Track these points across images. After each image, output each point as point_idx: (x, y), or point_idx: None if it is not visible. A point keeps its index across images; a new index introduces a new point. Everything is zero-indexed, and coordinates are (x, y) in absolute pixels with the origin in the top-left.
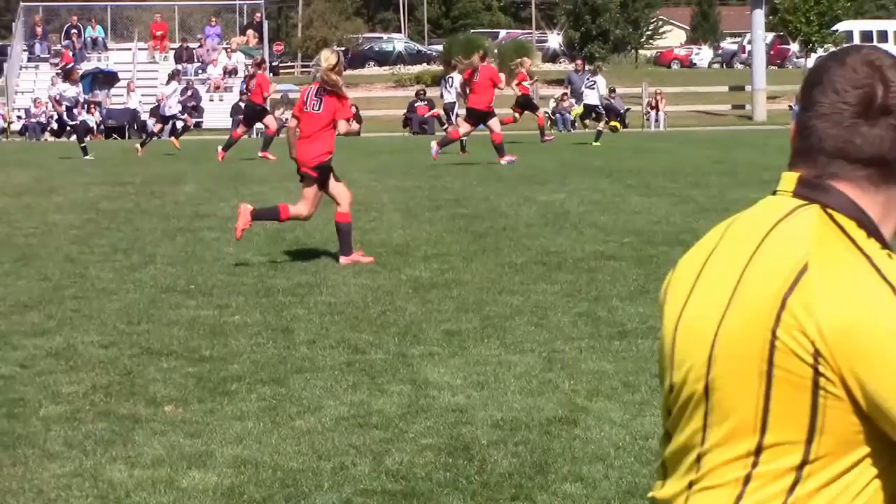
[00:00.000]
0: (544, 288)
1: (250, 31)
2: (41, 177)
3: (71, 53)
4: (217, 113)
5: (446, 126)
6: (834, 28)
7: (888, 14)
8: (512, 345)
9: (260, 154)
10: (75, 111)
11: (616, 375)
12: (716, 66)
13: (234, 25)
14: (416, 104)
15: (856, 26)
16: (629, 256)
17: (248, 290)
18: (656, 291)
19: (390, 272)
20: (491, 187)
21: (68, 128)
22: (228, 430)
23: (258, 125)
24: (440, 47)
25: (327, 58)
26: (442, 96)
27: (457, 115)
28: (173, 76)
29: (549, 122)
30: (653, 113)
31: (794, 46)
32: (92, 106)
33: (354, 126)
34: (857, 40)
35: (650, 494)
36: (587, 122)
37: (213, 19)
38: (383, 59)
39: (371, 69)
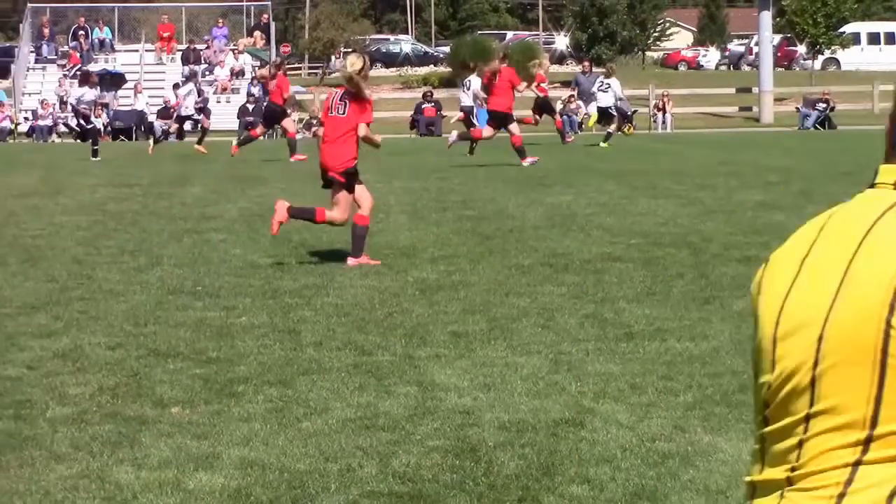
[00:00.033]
0: (551, 290)
1: (257, 33)
2: (48, 178)
3: (78, 55)
4: (224, 114)
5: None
6: (841, 30)
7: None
8: (519, 346)
9: (291, 160)
10: (92, 115)
11: (623, 377)
12: (723, 67)
13: (241, 27)
14: (423, 106)
15: (863, 28)
16: (636, 258)
17: (255, 291)
18: (663, 293)
19: (397, 274)
20: (498, 189)
21: (87, 129)
22: (235, 432)
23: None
24: (447, 49)
25: (353, 62)
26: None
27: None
28: (190, 77)
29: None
30: (660, 115)
31: (802, 48)
32: (99, 107)
33: (378, 138)
34: (864, 42)
35: (748, 479)
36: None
37: (221, 21)
38: (390, 60)
39: (378, 71)
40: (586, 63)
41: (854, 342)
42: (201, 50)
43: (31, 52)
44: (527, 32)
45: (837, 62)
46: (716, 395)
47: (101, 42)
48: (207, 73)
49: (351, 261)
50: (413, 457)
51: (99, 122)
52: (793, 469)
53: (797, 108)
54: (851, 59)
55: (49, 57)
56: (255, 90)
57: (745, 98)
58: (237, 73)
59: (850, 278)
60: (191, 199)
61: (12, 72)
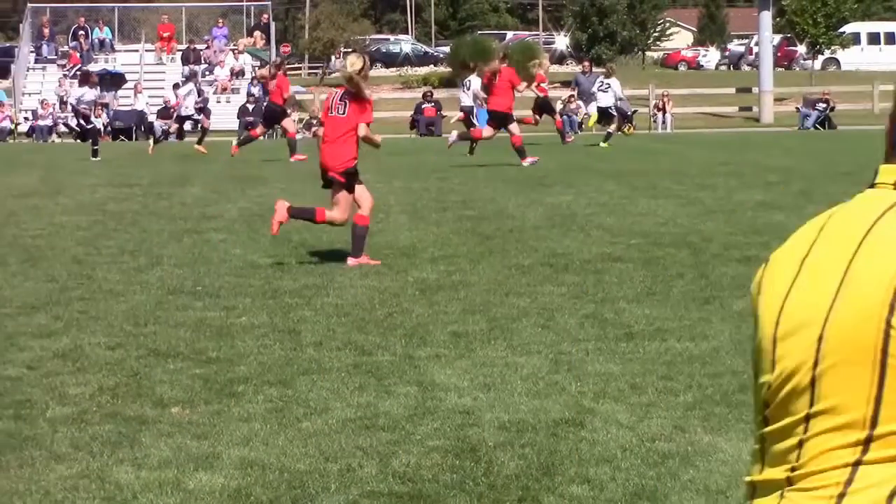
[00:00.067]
0: (551, 290)
1: (257, 33)
2: (48, 178)
3: (78, 55)
4: (224, 114)
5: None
6: (841, 30)
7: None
8: (519, 346)
9: (291, 160)
10: (92, 115)
11: (623, 377)
12: (723, 67)
13: (241, 27)
14: (423, 106)
15: (863, 28)
16: (636, 258)
17: (255, 291)
18: (663, 293)
19: (397, 274)
20: (498, 189)
21: (87, 129)
22: (235, 432)
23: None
24: (447, 49)
25: (353, 62)
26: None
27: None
28: (190, 77)
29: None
30: (660, 115)
31: (802, 48)
32: (99, 108)
33: (378, 138)
34: (864, 42)
35: (748, 479)
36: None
37: (221, 21)
38: (390, 60)
39: (378, 71)
40: (586, 63)
41: (854, 342)
42: (201, 50)
43: (31, 52)
44: (527, 32)
45: (837, 62)
46: (716, 395)
47: (101, 42)
48: (207, 73)
49: (351, 261)
50: (413, 457)
51: (99, 122)
52: (793, 469)
53: (797, 108)
54: (851, 59)
55: (49, 57)
56: (255, 90)
57: (745, 98)
58: (237, 73)
59: (850, 278)
60: (191, 199)
61: (12, 72)
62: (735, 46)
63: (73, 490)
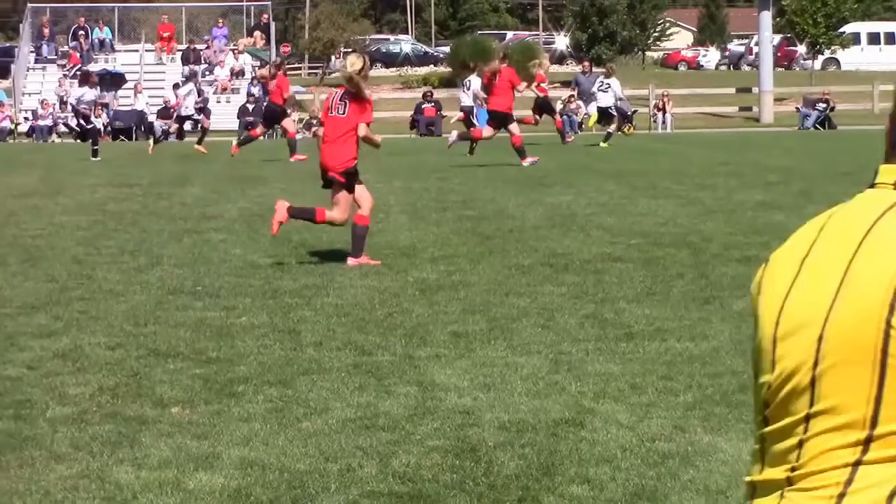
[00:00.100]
0: (551, 290)
1: (257, 33)
2: (48, 178)
3: (78, 55)
4: (224, 114)
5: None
6: (841, 30)
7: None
8: (519, 346)
9: (291, 160)
10: (92, 115)
11: (623, 377)
12: (723, 67)
13: (241, 27)
14: (423, 106)
15: (863, 28)
16: (636, 258)
17: (255, 291)
18: (663, 293)
19: (397, 274)
20: (498, 189)
21: (87, 129)
22: (235, 432)
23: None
24: (447, 49)
25: (353, 62)
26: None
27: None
28: (190, 77)
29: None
30: (660, 115)
31: (802, 48)
32: (99, 108)
33: (378, 138)
34: (864, 42)
35: (748, 479)
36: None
37: (221, 21)
38: (390, 60)
39: (378, 71)
40: (586, 63)
41: (854, 342)
42: (201, 50)
43: (31, 52)
44: (527, 32)
45: (837, 62)
46: (716, 395)
47: (101, 42)
48: (207, 73)
49: (351, 261)
50: (413, 457)
51: (99, 122)
52: (793, 469)
53: (797, 108)
54: (851, 59)
55: (49, 57)
56: (255, 90)
57: (745, 98)
58: (237, 73)
59: (850, 278)
60: (191, 199)
61: (12, 72)
62: (735, 46)
63: (73, 490)
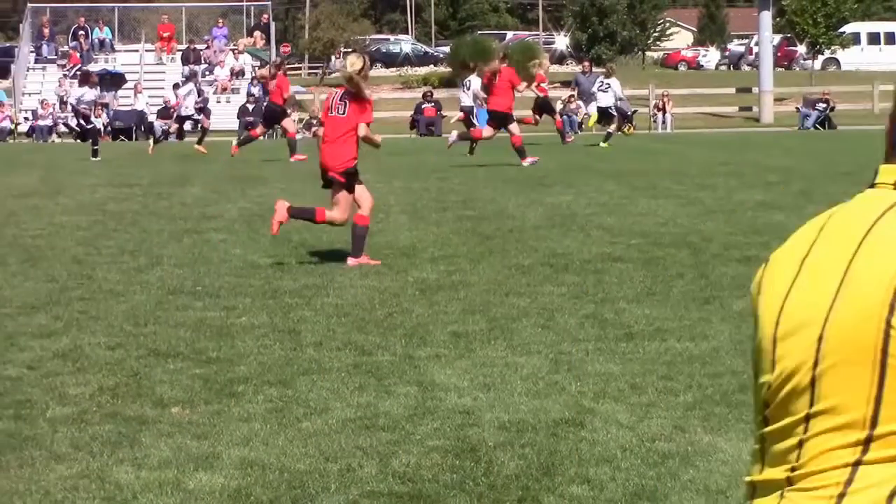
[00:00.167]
0: (551, 290)
1: (257, 33)
2: (48, 178)
3: (78, 55)
4: (224, 114)
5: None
6: (841, 30)
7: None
8: (519, 346)
9: (291, 160)
10: (92, 115)
11: (623, 377)
12: (723, 67)
13: (241, 27)
14: (423, 106)
15: (863, 28)
16: (636, 258)
17: (255, 291)
18: (663, 293)
19: (397, 274)
20: (498, 189)
21: (87, 129)
22: (235, 432)
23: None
24: (447, 49)
25: (353, 62)
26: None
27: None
28: (190, 77)
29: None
30: (660, 115)
31: (802, 48)
32: (99, 108)
33: (378, 138)
34: (864, 42)
35: (748, 479)
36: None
37: (221, 21)
38: (390, 60)
39: (378, 71)
40: (586, 63)
41: (854, 342)
42: (201, 50)
43: (31, 52)
44: (527, 32)
45: (837, 62)
46: (716, 395)
47: (101, 42)
48: (207, 73)
49: (351, 261)
50: (413, 457)
51: (99, 122)
52: (793, 469)
53: (797, 108)
54: (851, 59)
55: (49, 57)
56: (255, 90)
57: (745, 98)
58: (237, 73)
59: (850, 278)
60: (191, 199)
61: (12, 72)
62: (735, 46)
63: (73, 490)
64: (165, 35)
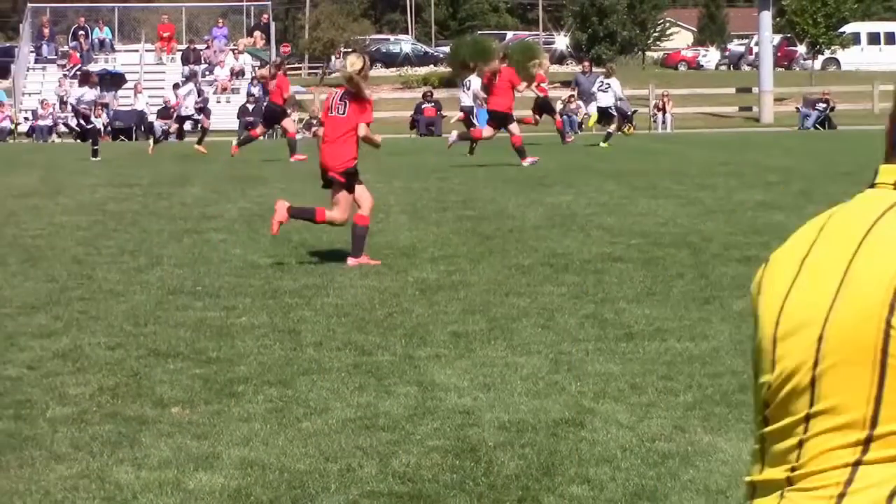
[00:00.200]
0: (551, 290)
1: (257, 33)
2: (48, 178)
3: (78, 55)
4: (224, 114)
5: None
6: (841, 30)
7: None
8: (519, 346)
9: (291, 160)
10: (92, 115)
11: (623, 377)
12: (723, 67)
13: (241, 27)
14: (423, 106)
15: (863, 28)
16: (636, 258)
17: (255, 291)
18: (663, 293)
19: (397, 274)
20: (498, 189)
21: (87, 129)
22: (235, 432)
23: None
24: (447, 49)
25: (353, 62)
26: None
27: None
28: (190, 77)
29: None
30: (660, 115)
31: (802, 48)
32: (99, 108)
33: (378, 138)
34: (864, 42)
35: (748, 479)
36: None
37: (221, 21)
38: (390, 60)
39: (378, 71)
40: (586, 63)
41: (854, 342)
42: (201, 50)
43: (31, 52)
44: (527, 32)
45: (837, 62)
46: (716, 395)
47: (101, 42)
48: (207, 73)
49: (351, 261)
50: (413, 457)
51: (99, 122)
52: (793, 469)
53: (797, 108)
54: (851, 59)
55: (49, 57)
56: (255, 90)
57: (745, 98)
58: (237, 74)
59: (850, 278)
60: (191, 199)
61: (12, 72)
62: (735, 46)
63: (73, 490)
64: (165, 35)
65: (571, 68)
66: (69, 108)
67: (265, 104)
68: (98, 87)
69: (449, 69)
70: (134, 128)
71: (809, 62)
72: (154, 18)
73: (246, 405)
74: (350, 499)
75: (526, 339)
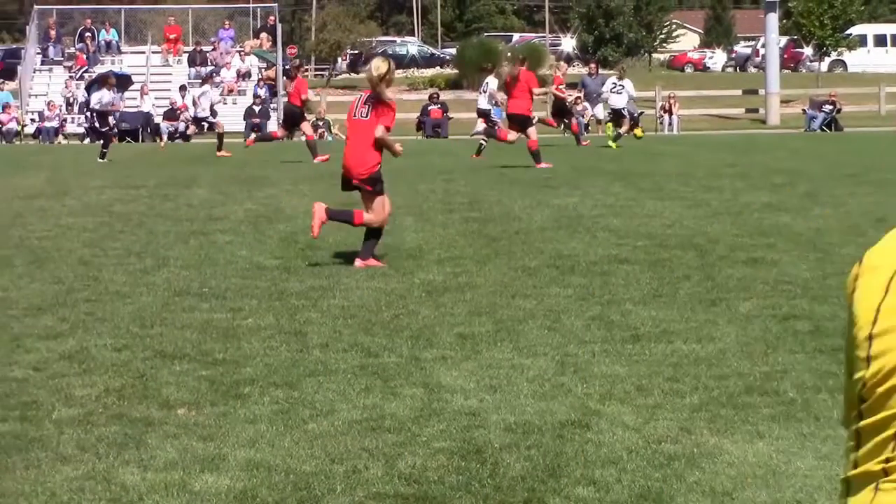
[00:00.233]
0: (557, 291)
1: (264, 35)
2: (54, 180)
3: (85, 57)
4: (230, 116)
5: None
6: (848, 31)
7: None
8: (525, 348)
9: (315, 161)
10: (111, 118)
11: (629, 379)
12: (729, 69)
13: (247, 28)
14: (429, 107)
15: (870, 30)
16: (642, 260)
17: (262, 293)
18: (669, 295)
19: (403, 276)
20: (504, 191)
21: (102, 132)
22: (241, 434)
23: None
24: (454, 51)
25: (378, 66)
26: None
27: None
28: (206, 79)
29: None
30: (666, 116)
31: (808, 50)
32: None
33: (398, 146)
34: (870, 44)
35: (842, 476)
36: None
37: (227, 22)
38: (397, 62)
39: None
40: (592, 65)
41: None
42: (208, 52)
43: (38, 53)
44: (533, 34)
45: (844, 64)
46: (722, 396)
47: (108, 44)
48: (214, 74)
49: (358, 262)
50: (419, 458)
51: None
52: (887, 461)
53: (803, 110)
54: (858, 60)
55: (55, 59)
56: (262, 92)
57: (751, 100)
58: (243, 75)
59: None
60: (197, 200)
61: (19, 73)
62: (741, 48)
63: (78, 491)
64: (172, 37)
65: (578, 70)
66: (86, 110)
67: (284, 105)
68: (115, 89)
69: (455, 71)
70: (140, 129)
71: (816, 64)
72: (160, 20)
73: (252, 407)
74: (356, 500)
75: (532, 340)
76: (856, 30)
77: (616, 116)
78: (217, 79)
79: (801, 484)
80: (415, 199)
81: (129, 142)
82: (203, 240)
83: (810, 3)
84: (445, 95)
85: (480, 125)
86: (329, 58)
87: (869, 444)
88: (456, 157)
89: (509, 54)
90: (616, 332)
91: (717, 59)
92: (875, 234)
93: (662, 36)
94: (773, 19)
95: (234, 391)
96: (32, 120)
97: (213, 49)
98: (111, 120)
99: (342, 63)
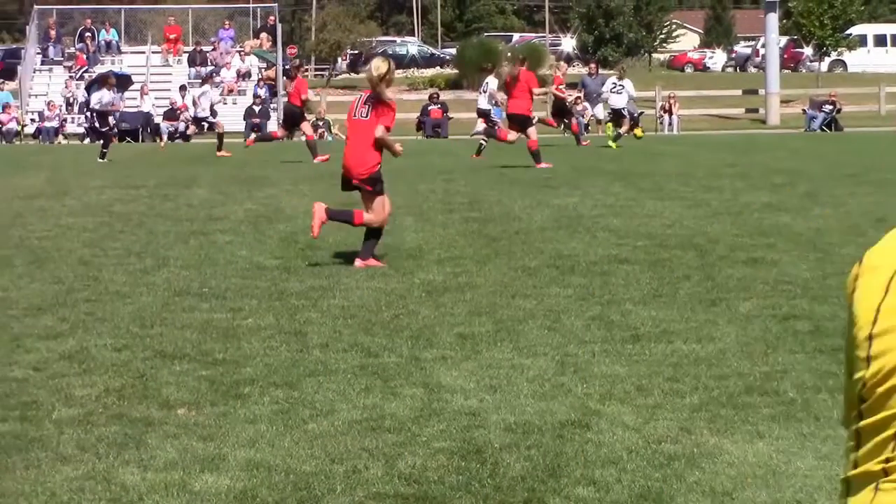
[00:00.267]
0: (557, 291)
1: (264, 35)
2: (54, 180)
3: (85, 57)
4: (230, 116)
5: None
6: (848, 31)
7: None
8: (525, 348)
9: (315, 161)
10: (111, 118)
11: (629, 379)
12: (729, 69)
13: (247, 29)
14: (429, 107)
15: (870, 30)
16: (642, 260)
17: (262, 293)
18: (669, 295)
19: (403, 276)
20: (504, 191)
21: (102, 132)
22: (241, 434)
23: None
24: (454, 51)
25: (378, 66)
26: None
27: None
28: (206, 79)
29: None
30: (666, 116)
31: (808, 50)
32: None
33: (398, 146)
34: (871, 44)
35: (842, 476)
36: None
37: (227, 22)
38: (397, 62)
39: None
40: (592, 65)
41: None
42: (208, 52)
43: (38, 53)
44: (533, 34)
45: (844, 64)
46: (722, 396)
47: (108, 44)
48: (214, 74)
49: (358, 262)
50: (419, 458)
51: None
52: (887, 460)
53: (803, 110)
54: (858, 60)
55: (55, 59)
56: (262, 92)
57: (751, 100)
58: (243, 75)
59: None
60: (197, 200)
61: (19, 73)
62: (741, 48)
63: (78, 491)
64: (172, 37)
65: (578, 70)
66: (86, 110)
67: (284, 105)
68: (115, 90)
69: (455, 71)
70: (140, 129)
71: (816, 64)
72: (160, 20)
73: (252, 407)
74: (356, 500)
75: (532, 340)
76: (856, 30)
77: (616, 116)
78: (217, 79)
79: (801, 484)
80: (415, 199)
81: (129, 142)
82: (203, 240)
83: (810, 3)
84: (445, 95)
85: (480, 125)
86: (329, 58)
87: (869, 444)
88: (456, 157)
89: (509, 54)
90: (616, 332)
91: (717, 59)
92: (875, 234)
93: (662, 36)
94: (773, 19)
95: (234, 391)
96: (32, 120)
97: (213, 49)
98: (111, 120)
99: (342, 63)
